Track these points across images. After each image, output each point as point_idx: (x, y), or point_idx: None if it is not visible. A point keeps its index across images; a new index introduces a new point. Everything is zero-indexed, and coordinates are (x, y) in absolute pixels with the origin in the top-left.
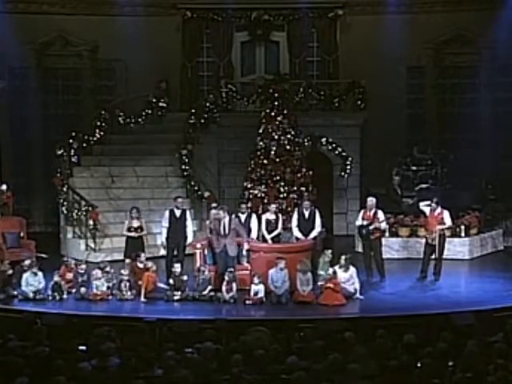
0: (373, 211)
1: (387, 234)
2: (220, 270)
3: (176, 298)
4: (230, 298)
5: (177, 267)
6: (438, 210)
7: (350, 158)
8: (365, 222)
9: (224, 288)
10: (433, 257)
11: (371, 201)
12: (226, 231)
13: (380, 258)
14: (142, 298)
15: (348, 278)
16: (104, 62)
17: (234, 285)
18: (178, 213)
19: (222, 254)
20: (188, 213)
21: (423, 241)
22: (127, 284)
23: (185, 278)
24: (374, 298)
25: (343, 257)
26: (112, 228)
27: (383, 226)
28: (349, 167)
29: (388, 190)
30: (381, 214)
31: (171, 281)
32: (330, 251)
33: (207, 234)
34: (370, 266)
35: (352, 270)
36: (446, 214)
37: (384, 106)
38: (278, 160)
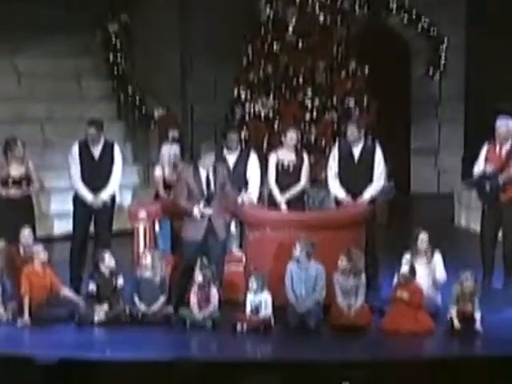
0: (507, 147)
1: None
2: (184, 265)
3: (98, 318)
4: (205, 318)
5: (105, 256)
6: None
7: (445, 40)
8: (490, 169)
9: (194, 299)
10: None
11: (504, 125)
12: (212, 191)
13: None
14: (26, 318)
15: (429, 272)
16: None
17: (214, 293)
18: (96, 149)
19: (207, 236)
20: (117, 149)
21: None
22: None
23: (120, 281)
24: (490, 320)
25: (421, 236)
26: None
27: None
28: (444, 58)
29: None
30: None
31: (91, 285)
32: (469, 275)
33: (160, 193)
34: (492, 255)
35: (437, 256)
36: None
37: None
38: (300, 44)
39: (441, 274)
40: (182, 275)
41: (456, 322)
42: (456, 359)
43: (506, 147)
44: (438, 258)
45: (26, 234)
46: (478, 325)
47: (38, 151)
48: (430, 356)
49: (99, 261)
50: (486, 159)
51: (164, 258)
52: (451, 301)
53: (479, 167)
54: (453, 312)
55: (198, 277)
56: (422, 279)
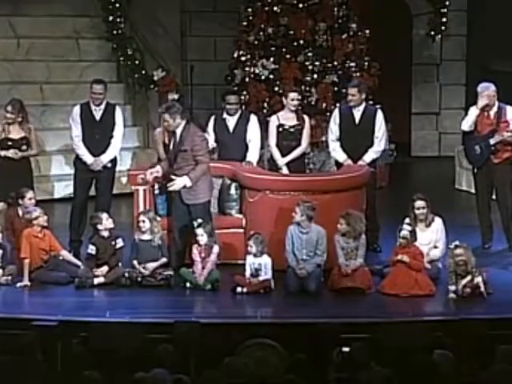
0: (495, 109)
1: None
2: (174, 228)
3: (97, 281)
4: (204, 281)
5: (103, 218)
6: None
7: (447, 2)
8: (479, 133)
9: (197, 258)
10: None
11: (486, 88)
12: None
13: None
14: (26, 281)
15: (430, 240)
16: None
17: (214, 253)
18: (97, 111)
19: (176, 198)
20: (118, 111)
21: None
22: None
23: (119, 242)
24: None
25: (417, 203)
26: None
27: None
28: (445, 19)
29: None
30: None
31: (91, 248)
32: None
33: (160, 157)
34: (488, 220)
35: (437, 223)
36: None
37: None
38: (300, 5)
39: (441, 243)
40: (177, 237)
41: (451, 294)
42: (456, 321)
43: (493, 110)
44: (438, 225)
45: (28, 196)
46: (482, 289)
47: (36, 114)
48: (430, 319)
49: (97, 223)
50: (476, 123)
51: (161, 222)
52: (448, 278)
53: (467, 124)
54: (450, 288)
55: (204, 237)
56: (423, 243)
